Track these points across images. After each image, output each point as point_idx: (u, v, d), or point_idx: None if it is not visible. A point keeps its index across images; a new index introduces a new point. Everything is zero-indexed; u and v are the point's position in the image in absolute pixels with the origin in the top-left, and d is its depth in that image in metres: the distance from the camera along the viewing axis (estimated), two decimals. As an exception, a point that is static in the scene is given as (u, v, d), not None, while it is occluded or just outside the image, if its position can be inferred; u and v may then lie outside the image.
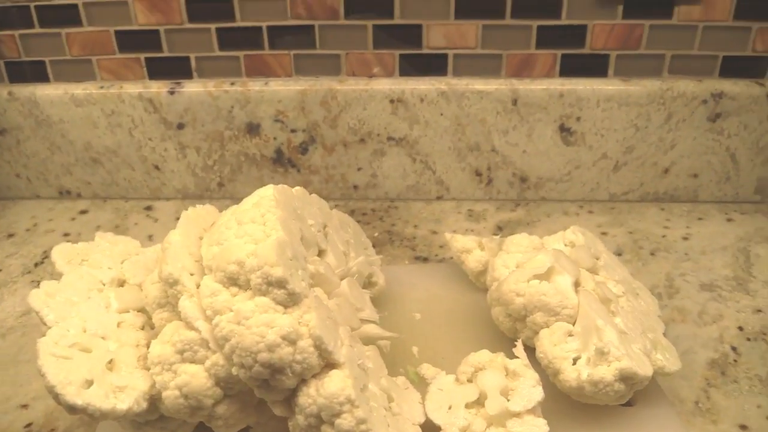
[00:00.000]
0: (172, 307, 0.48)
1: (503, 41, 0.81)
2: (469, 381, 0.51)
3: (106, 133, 0.87)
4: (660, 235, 0.81)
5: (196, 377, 0.44)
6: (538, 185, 0.88)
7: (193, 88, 0.84)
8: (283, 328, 0.43)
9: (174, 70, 0.85)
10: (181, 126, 0.86)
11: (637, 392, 0.53)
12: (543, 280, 0.55)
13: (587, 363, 0.51)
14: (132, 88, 0.85)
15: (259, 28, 0.82)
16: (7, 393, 0.59)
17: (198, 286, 0.47)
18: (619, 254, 0.77)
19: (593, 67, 0.82)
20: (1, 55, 0.86)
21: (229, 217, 0.50)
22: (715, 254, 0.77)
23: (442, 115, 0.83)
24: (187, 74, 0.85)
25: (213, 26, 0.82)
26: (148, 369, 0.46)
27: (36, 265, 0.78)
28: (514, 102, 0.82)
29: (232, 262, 0.45)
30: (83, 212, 0.89)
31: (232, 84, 0.84)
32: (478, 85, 0.82)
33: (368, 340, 0.52)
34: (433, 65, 0.83)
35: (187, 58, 0.85)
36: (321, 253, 0.55)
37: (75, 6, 0.82)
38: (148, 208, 0.90)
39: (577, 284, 0.56)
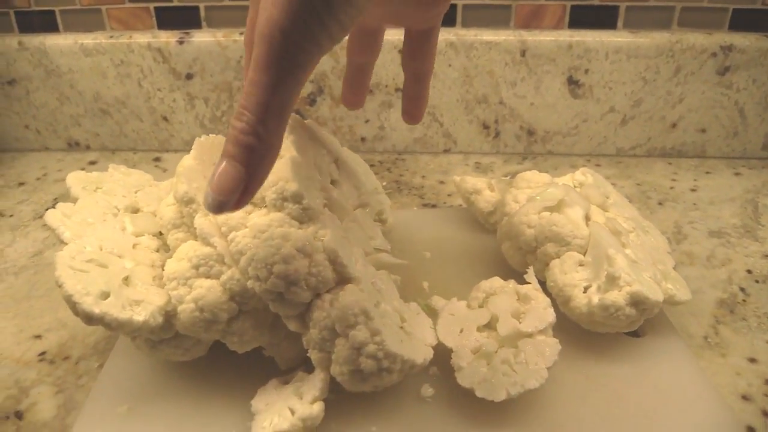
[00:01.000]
0: (186, 227, 0.48)
1: (513, -8, 0.81)
2: (481, 307, 0.51)
3: (116, 84, 0.87)
4: (668, 187, 0.81)
5: (211, 291, 0.45)
6: (545, 138, 0.88)
7: (202, 37, 0.84)
8: (298, 240, 0.44)
9: (183, 19, 0.85)
10: (189, 76, 0.86)
11: (646, 324, 0.54)
12: (554, 212, 0.56)
13: (598, 290, 0.51)
14: (141, 38, 0.85)
15: (269, -23, 0.82)
16: (21, 325, 0.60)
17: None
18: (627, 203, 0.77)
19: (602, 18, 0.82)
20: (11, 5, 0.86)
21: None
22: (723, 204, 0.77)
23: (450, 66, 0.83)
24: (197, 24, 0.85)
25: (223, -25, 0.82)
26: (164, 287, 0.47)
27: (47, 210, 0.78)
28: (523, 53, 0.82)
29: None
30: (92, 163, 0.90)
31: (242, 34, 0.84)
32: (487, 35, 0.82)
33: (380, 267, 0.53)
34: (442, 16, 0.83)
35: (197, 8, 0.85)
36: (333, 182, 0.55)
37: (85, -47, 0.82)
38: (157, 159, 0.90)
39: (587, 218, 0.57)
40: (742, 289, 0.63)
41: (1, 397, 0.52)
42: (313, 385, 0.45)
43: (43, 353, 0.57)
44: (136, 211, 0.54)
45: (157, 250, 0.51)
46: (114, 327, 0.43)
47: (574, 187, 0.63)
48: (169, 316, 0.46)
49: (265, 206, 0.46)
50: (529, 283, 0.51)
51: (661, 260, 0.57)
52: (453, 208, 0.76)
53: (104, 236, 0.49)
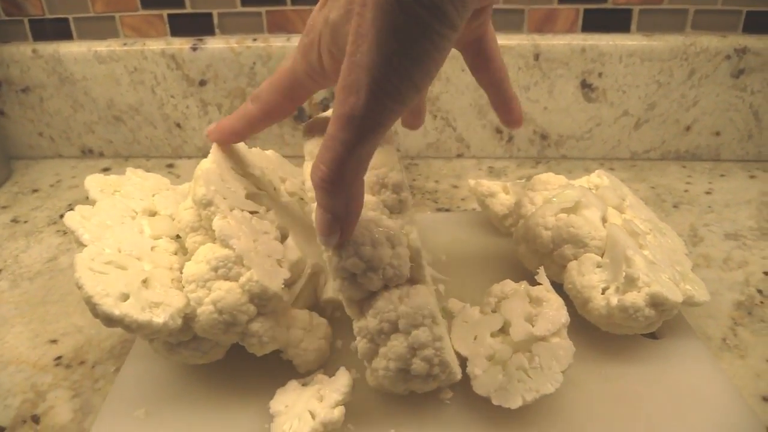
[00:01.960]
0: (204, 230, 0.49)
1: (525, -4, 0.81)
2: (494, 311, 0.51)
3: (129, 91, 0.88)
4: (682, 190, 0.81)
5: (231, 292, 0.45)
6: (558, 143, 0.88)
7: (215, 44, 0.85)
8: (390, 229, 0.44)
9: (196, 26, 0.85)
10: (203, 83, 0.87)
11: (663, 326, 0.54)
12: (571, 214, 0.55)
13: (616, 291, 0.51)
14: (155, 45, 0.85)
15: (282, -16, 0.82)
16: (37, 330, 0.60)
17: (231, 210, 0.48)
18: (642, 206, 0.77)
19: (616, 22, 0.82)
20: (25, 12, 0.87)
21: None
22: (738, 207, 0.77)
23: (463, 71, 0.83)
24: (210, 31, 0.86)
25: (236, -19, 0.83)
26: (182, 289, 0.47)
27: (61, 216, 0.79)
28: (536, 57, 0.82)
29: None
30: (106, 170, 0.90)
31: (254, 40, 0.85)
32: (500, 39, 0.81)
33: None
34: (455, 21, 0.83)
35: (210, 15, 0.85)
36: None
37: (99, -39, 0.83)
38: (170, 165, 0.91)
39: (604, 220, 0.56)
40: (760, 291, 0.62)
41: (18, 401, 0.52)
42: (336, 388, 0.45)
43: (59, 357, 0.57)
44: (153, 214, 0.54)
45: (175, 253, 0.51)
46: (134, 329, 0.43)
47: (591, 189, 0.63)
48: (188, 318, 0.46)
49: None
50: (541, 284, 0.51)
51: (679, 261, 0.57)
52: (467, 211, 0.76)
53: (123, 239, 0.49)
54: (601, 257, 0.54)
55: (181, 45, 0.85)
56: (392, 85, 0.36)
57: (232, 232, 0.46)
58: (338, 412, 0.44)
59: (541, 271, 0.51)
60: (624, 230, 0.55)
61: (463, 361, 0.48)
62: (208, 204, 0.47)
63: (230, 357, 0.52)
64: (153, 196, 0.56)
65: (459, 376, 0.46)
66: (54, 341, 0.59)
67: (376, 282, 0.44)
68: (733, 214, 0.75)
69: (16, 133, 0.92)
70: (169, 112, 0.89)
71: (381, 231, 0.44)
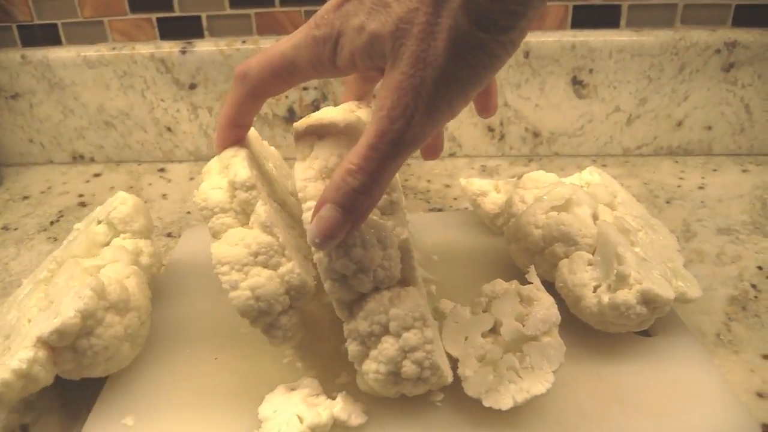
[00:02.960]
0: (235, 213, 0.48)
1: (514, -7, 0.81)
2: (485, 311, 0.50)
3: (119, 95, 0.87)
4: (675, 185, 0.81)
5: (271, 281, 0.45)
6: (550, 140, 0.87)
7: (204, 47, 0.84)
8: (381, 230, 0.44)
9: (185, 29, 0.85)
10: (193, 86, 0.86)
11: (657, 323, 0.53)
12: (561, 211, 0.55)
13: (608, 289, 0.50)
14: (144, 49, 0.85)
15: (270, -15, 0.82)
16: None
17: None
18: (635, 203, 0.76)
19: (605, 18, 0.82)
20: (14, 18, 0.86)
21: None
22: (731, 201, 0.76)
23: (454, 69, 0.83)
24: (199, 33, 0.85)
25: (223, -16, 0.83)
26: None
27: (52, 223, 0.79)
28: (526, 55, 0.82)
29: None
30: (97, 175, 0.90)
31: (244, 42, 0.84)
32: (490, 38, 0.82)
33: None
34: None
35: (199, 17, 0.85)
36: None
37: (86, -34, 0.82)
38: (162, 170, 0.90)
39: (595, 217, 0.56)
40: (754, 286, 0.62)
41: (5, 411, 0.52)
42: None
43: (49, 365, 0.56)
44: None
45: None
46: None
47: (582, 186, 0.63)
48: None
49: None
50: (532, 283, 0.51)
51: (671, 258, 0.56)
52: (459, 211, 0.75)
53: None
54: (593, 255, 0.53)
55: (170, 48, 0.85)
56: (448, 106, 0.39)
57: (275, 221, 0.46)
58: (326, 416, 0.43)
59: (532, 269, 0.51)
60: (615, 227, 0.54)
61: (454, 362, 0.48)
62: (251, 187, 0.47)
63: (218, 362, 0.52)
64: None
65: (450, 379, 0.46)
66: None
67: (366, 284, 0.44)
68: (725, 208, 0.75)
69: (7, 140, 0.92)
70: (159, 116, 0.89)
71: (372, 232, 0.44)
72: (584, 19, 0.82)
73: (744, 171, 0.83)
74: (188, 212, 0.79)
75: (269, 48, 0.46)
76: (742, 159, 0.86)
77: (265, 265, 0.45)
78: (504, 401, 0.44)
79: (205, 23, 0.85)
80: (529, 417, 0.46)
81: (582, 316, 0.52)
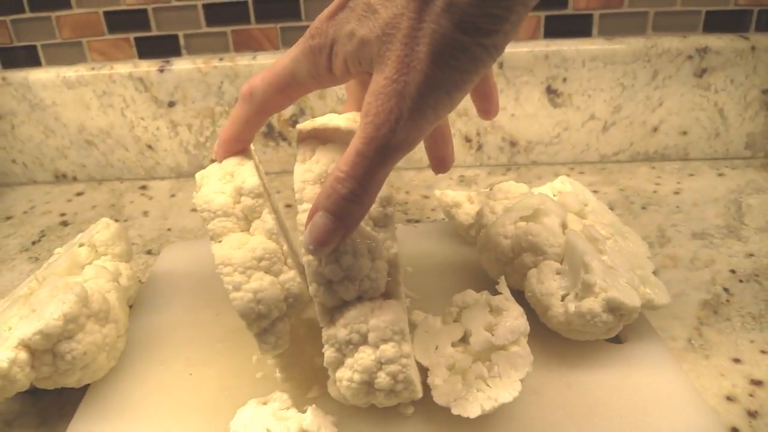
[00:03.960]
0: (237, 218, 0.49)
1: (487, 5, 0.82)
2: (455, 321, 0.51)
3: (99, 115, 0.88)
4: (651, 191, 0.81)
5: (273, 286, 0.46)
6: (528, 149, 0.88)
7: (182, 65, 0.85)
8: (372, 241, 0.45)
9: (163, 48, 0.86)
10: (172, 104, 0.87)
11: (627, 330, 0.54)
12: (530, 221, 0.56)
13: (575, 298, 0.51)
14: (122, 68, 0.86)
15: (245, 2, 0.83)
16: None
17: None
18: (610, 209, 0.77)
19: (577, 27, 0.83)
20: (-7, 41, 0.87)
21: None
22: (706, 206, 0.77)
23: (429, 81, 0.84)
24: (176, 52, 0.86)
25: (199, 2, 0.83)
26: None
27: (33, 243, 0.79)
28: (500, 65, 0.83)
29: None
30: (79, 194, 0.90)
31: (221, 59, 0.85)
32: (464, 49, 0.82)
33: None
34: (418, 32, 0.83)
35: (176, 36, 0.86)
36: None
37: (63, -12, 0.83)
38: (143, 187, 0.91)
39: (564, 226, 0.57)
40: (726, 290, 0.63)
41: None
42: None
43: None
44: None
45: None
46: None
47: (554, 195, 0.63)
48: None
49: None
50: (502, 293, 0.51)
51: (640, 265, 0.57)
52: (435, 222, 0.76)
53: None
54: (561, 264, 0.54)
55: (148, 67, 0.85)
56: (433, 111, 0.39)
57: (280, 230, 0.47)
58: (295, 428, 0.44)
59: (502, 280, 0.52)
60: (583, 236, 0.55)
61: (424, 371, 0.48)
62: (259, 195, 0.48)
63: (193, 379, 0.52)
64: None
65: (420, 394, 0.47)
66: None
67: (351, 291, 0.45)
68: (700, 213, 0.76)
69: (-11, 161, 0.93)
70: (140, 134, 0.89)
71: (364, 242, 0.45)
72: (557, 28, 0.83)
73: (720, 175, 0.84)
74: (168, 229, 0.80)
75: (271, 65, 0.47)
76: (719, 163, 0.87)
77: (268, 271, 0.46)
78: (472, 409, 0.45)
79: (182, 41, 0.86)
80: (499, 425, 0.47)
81: (551, 325, 0.52)
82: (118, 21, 0.85)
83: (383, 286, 0.46)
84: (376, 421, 0.48)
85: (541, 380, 0.50)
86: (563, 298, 0.52)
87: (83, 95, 0.87)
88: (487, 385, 0.46)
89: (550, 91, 0.84)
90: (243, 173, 0.49)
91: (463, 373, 0.47)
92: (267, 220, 0.48)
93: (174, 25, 0.85)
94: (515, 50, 0.82)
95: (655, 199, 0.79)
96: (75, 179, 0.93)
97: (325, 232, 0.42)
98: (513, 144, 0.88)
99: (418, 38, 0.37)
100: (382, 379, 0.44)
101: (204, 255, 0.53)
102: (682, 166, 0.87)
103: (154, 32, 0.85)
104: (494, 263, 0.58)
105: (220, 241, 0.48)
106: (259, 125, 0.51)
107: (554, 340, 0.53)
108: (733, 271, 0.65)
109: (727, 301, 0.61)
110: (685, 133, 0.86)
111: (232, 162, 0.51)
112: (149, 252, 0.75)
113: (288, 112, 0.87)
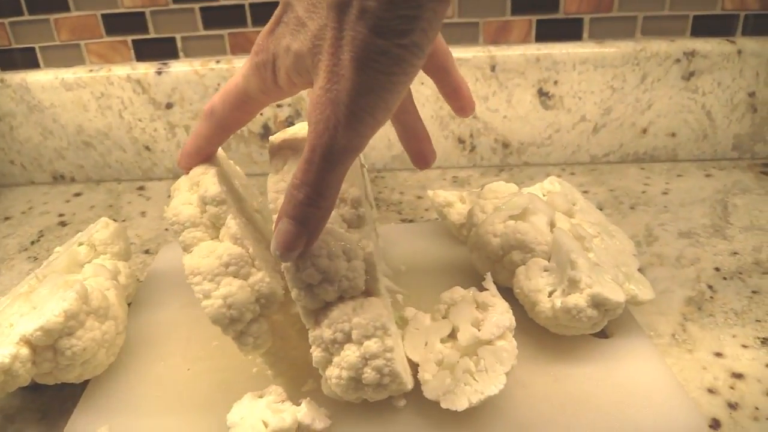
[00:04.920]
0: (205, 227, 0.50)
1: (480, 9, 0.84)
2: (444, 317, 0.52)
3: (97, 116, 0.89)
4: (640, 191, 0.83)
5: (242, 290, 0.47)
6: (520, 150, 0.90)
7: (179, 67, 0.87)
8: (346, 242, 0.46)
9: (160, 50, 0.87)
10: (169, 105, 0.88)
11: (613, 325, 0.55)
12: (518, 220, 0.57)
13: (561, 294, 0.53)
14: (120, 70, 0.87)
15: (242, 6, 0.84)
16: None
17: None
18: (599, 209, 0.78)
19: (568, 31, 0.84)
20: (-8, 43, 0.88)
21: None
22: (693, 206, 0.79)
23: (422, 83, 0.85)
24: (174, 54, 0.88)
25: (197, 6, 0.85)
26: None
27: (32, 243, 0.80)
28: (493, 68, 0.84)
29: None
30: (77, 195, 0.92)
31: (218, 62, 0.87)
32: (457, 52, 0.84)
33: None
34: (412, 36, 0.85)
35: (173, 39, 0.87)
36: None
37: (62, -9, 0.85)
38: (141, 188, 0.92)
39: (552, 225, 0.58)
40: (710, 287, 0.64)
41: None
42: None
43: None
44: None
45: None
46: None
47: (543, 195, 0.65)
48: None
49: None
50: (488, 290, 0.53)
51: (625, 263, 0.58)
52: (429, 222, 0.78)
53: None
54: (548, 261, 0.55)
55: (146, 69, 0.87)
56: (369, 115, 0.39)
57: (245, 233, 0.48)
58: (290, 420, 0.45)
59: (488, 276, 0.53)
60: (570, 234, 0.56)
61: (415, 367, 0.50)
62: (222, 202, 0.49)
63: (191, 375, 0.53)
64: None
65: (410, 386, 0.48)
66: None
67: (331, 293, 0.46)
68: (687, 212, 0.77)
69: (-12, 162, 0.94)
70: (137, 135, 0.91)
71: (338, 244, 0.46)
72: (548, 32, 0.84)
73: (708, 176, 0.86)
74: (166, 229, 0.81)
75: (227, 83, 0.49)
76: (706, 164, 0.89)
77: (236, 275, 0.48)
78: (460, 402, 0.46)
79: (179, 44, 0.87)
80: (487, 418, 0.48)
81: (538, 320, 0.54)
82: (116, 23, 0.86)
83: (362, 284, 0.47)
84: (369, 414, 0.49)
85: (529, 374, 0.51)
86: (550, 294, 0.53)
87: (81, 97, 0.88)
88: (474, 379, 0.47)
89: (542, 94, 0.86)
90: (205, 182, 0.51)
91: (452, 368, 0.48)
92: (230, 225, 0.49)
93: (171, 27, 0.86)
94: (507, 53, 0.83)
95: (644, 199, 0.81)
96: (73, 180, 0.95)
97: (290, 237, 0.43)
98: (505, 145, 0.89)
99: (342, 47, 0.38)
100: (369, 374, 0.45)
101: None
102: (671, 167, 0.88)
103: (152, 35, 0.87)
104: (484, 261, 0.59)
105: (191, 252, 0.49)
106: (221, 141, 0.53)
107: (542, 335, 0.55)
108: (717, 269, 0.67)
109: (711, 297, 0.63)
110: (673, 134, 0.88)
111: (198, 171, 0.52)
112: (147, 251, 0.77)
113: (284, 113, 0.88)
